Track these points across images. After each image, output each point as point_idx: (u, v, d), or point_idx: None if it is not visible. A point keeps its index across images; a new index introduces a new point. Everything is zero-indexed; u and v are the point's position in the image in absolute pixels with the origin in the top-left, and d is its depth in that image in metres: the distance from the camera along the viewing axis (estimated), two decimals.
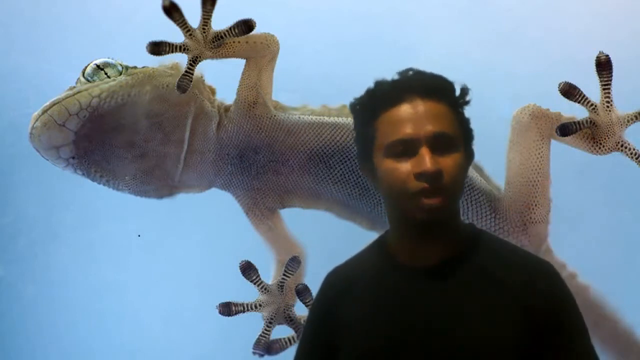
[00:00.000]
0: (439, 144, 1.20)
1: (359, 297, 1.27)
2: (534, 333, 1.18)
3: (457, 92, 1.27)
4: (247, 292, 1.67)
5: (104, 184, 1.75)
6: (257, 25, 1.58)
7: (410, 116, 1.21)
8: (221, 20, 1.58)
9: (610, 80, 1.54)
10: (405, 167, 1.20)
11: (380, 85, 1.27)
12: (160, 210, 1.90)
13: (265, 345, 1.67)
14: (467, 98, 1.27)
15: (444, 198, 1.19)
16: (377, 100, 1.25)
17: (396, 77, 1.27)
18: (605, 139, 1.57)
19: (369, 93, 1.28)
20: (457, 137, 1.23)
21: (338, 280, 1.33)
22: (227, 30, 1.59)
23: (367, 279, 1.29)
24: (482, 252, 1.25)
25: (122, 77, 1.68)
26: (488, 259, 1.24)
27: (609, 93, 1.55)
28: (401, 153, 1.20)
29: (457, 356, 1.17)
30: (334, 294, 1.31)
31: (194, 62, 1.60)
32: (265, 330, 1.67)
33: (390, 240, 1.30)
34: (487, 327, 1.18)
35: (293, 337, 1.69)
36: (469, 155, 1.27)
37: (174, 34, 1.57)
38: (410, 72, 1.26)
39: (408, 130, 1.20)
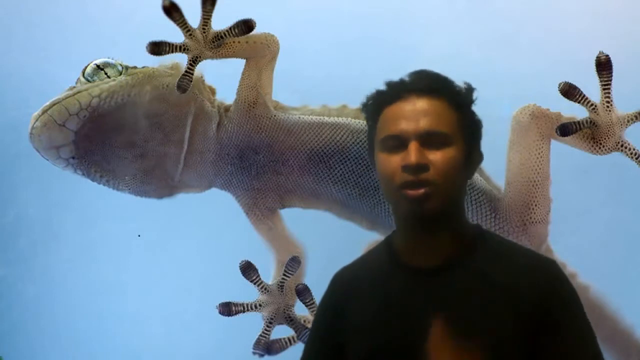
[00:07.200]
0: (430, 139, 1.24)
1: (365, 298, 1.28)
2: (537, 332, 1.18)
3: (460, 91, 1.30)
4: (247, 292, 1.67)
5: (104, 184, 1.75)
6: (257, 25, 1.58)
7: (404, 113, 1.26)
8: (221, 20, 1.58)
9: (610, 80, 1.53)
10: (395, 160, 1.24)
11: (385, 84, 1.33)
12: (160, 210, 1.90)
13: (265, 345, 1.67)
14: (471, 97, 1.31)
15: (429, 190, 1.22)
16: (379, 98, 1.32)
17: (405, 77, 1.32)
18: (605, 139, 1.57)
19: (376, 91, 1.34)
20: (450, 133, 1.25)
21: (345, 280, 1.35)
22: (227, 30, 1.59)
23: (373, 279, 1.30)
24: (486, 253, 1.26)
25: (122, 77, 1.68)
26: (493, 260, 1.25)
27: (609, 93, 1.54)
28: (393, 147, 1.26)
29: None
30: (341, 294, 1.32)
31: (194, 62, 1.60)
32: (265, 330, 1.67)
33: (396, 239, 1.31)
34: (491, 327, 1.18)
35: (293, 337, 1.69)
36: (470, 153, 1.29)
37: (174, 34, 1.57)
38: (414, 73, 1.32)
39: (400, 126, 1.25)
